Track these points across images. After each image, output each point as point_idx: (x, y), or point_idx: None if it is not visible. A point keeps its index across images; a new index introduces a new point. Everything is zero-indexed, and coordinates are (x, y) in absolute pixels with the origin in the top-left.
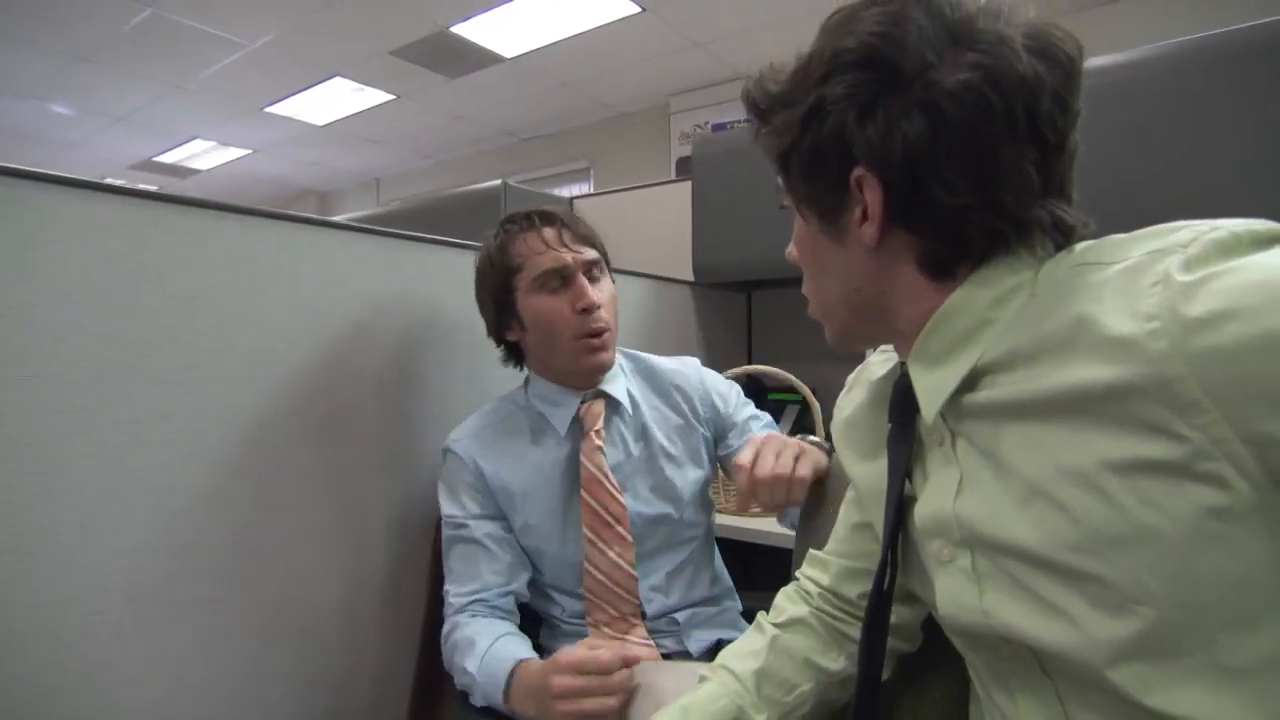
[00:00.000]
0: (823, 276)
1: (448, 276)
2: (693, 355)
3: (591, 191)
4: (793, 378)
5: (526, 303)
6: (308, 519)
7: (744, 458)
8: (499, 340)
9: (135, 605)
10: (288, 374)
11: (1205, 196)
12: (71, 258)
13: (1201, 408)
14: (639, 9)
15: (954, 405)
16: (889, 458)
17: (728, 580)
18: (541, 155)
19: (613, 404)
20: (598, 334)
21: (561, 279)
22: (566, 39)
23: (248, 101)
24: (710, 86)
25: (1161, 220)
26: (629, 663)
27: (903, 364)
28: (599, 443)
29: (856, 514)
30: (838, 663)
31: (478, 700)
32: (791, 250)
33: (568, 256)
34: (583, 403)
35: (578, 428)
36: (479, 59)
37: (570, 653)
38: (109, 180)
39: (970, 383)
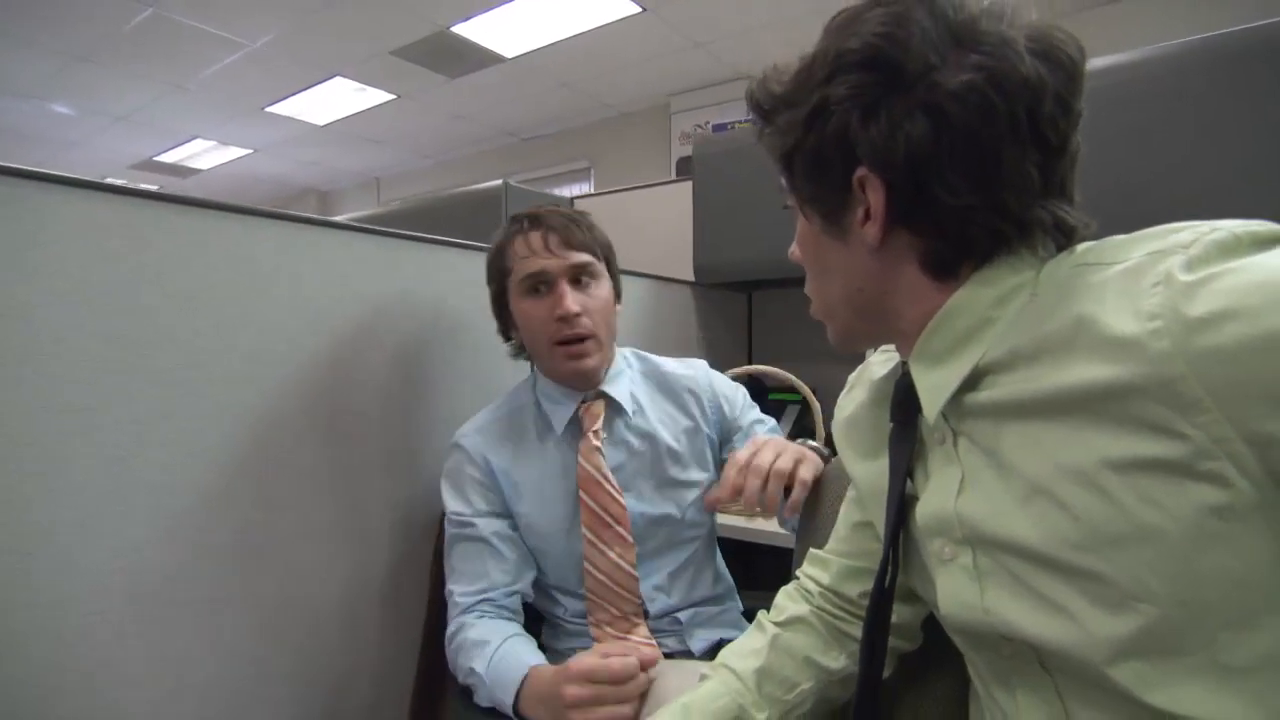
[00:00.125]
0: (825, 276)
1: (448, 276)
2: (693, 355)
3: (592, 191)
4: (793, 378)
5: (516, 306)
6: (309, 519)
7: (741, 454)
8: (506, 336)
9: (135, 605)
10: (288, 374)
11: (1206, 197)
12: (71, 258)
13: (1203, 407)
14: (639, 9)
15: (956, 404)
16: (890, 457)
17: (729, 580)
18: (542, 155)
19: (614, 405)
20: (575, 341)
21: (544, 283)
22: (567, 39)
23: (248, 101)
24: (711, 86)
25: (1162, 221)
26: (646, 665)
27: (904, 363)
28: (597, 443)
29: (857, 513)
30: (838, 661)
31: (483, 700)
32: (794, 250)
33: (548, 262)
34: (583, 402)
35: (576, 427)
36: (479, 59)
37: (582, 661)
38: (109, 180)
39: (972, 382)
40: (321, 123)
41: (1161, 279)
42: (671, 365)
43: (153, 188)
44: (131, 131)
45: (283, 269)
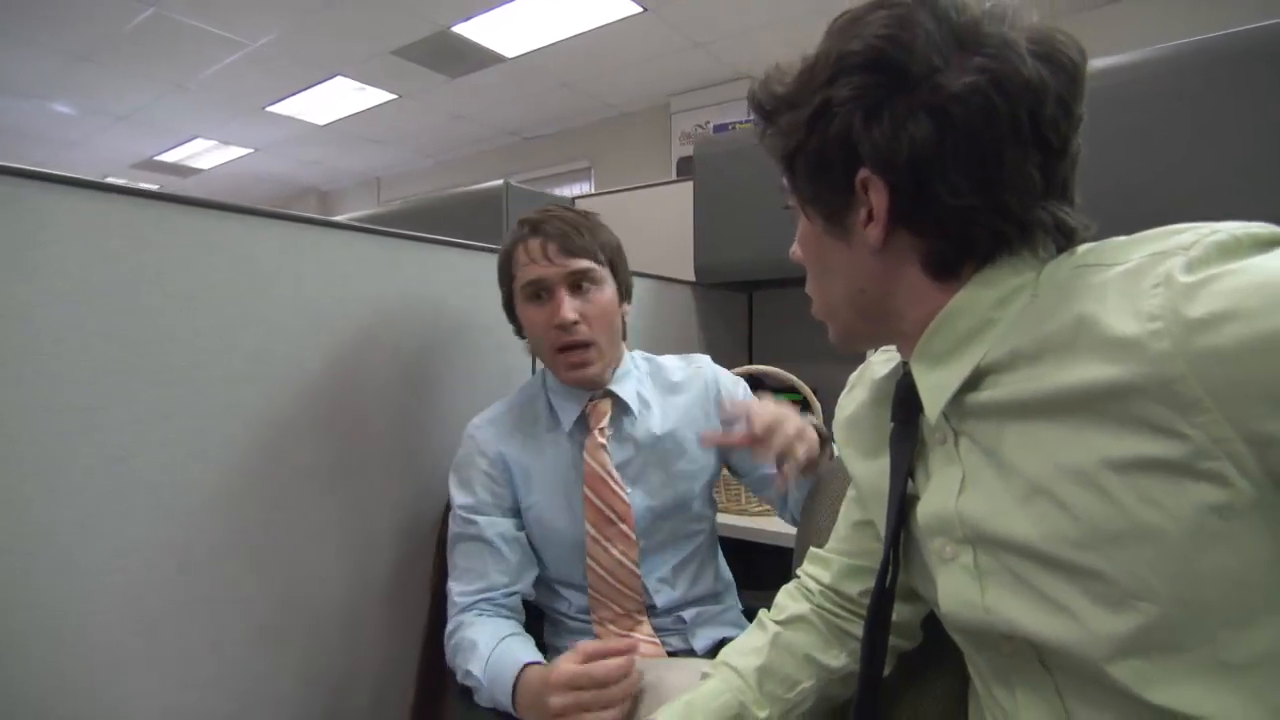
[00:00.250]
0: (827, 277)
1: (449, 276)
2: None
3: (592, 191)
4: (794, 378)
5: (521, 311)
6: (310, 519)
7: (766, 404)
8: (520, 336)
9: (135, 605)
10: (289, 374)
11: (1206, 198)
12: (72, 258)
13: (1202, 407)
14: (640, 9)
15: (957, 404)
16: (891, 456)
17: (730, 578)
18: (542, 155)
19: (620, 404)
20: (573, 348)
21: (543, 291)
22: (567, 39)
23: (249, 101)
24: (711, 86)
25: (1163, 222)
26: (626, 650)
27: (905, 363)
28: (602, 441)
29: (857, 512)
30: (839, 659)
31: (484, 701)
32: (795, 250)
33: (546, 270)
34: (590, 400)
35: (583, 424)
36: (480, 59)
37: (564, 670)
38: (110, 179)
39: (973, 382)
40: (322, 122)
41: (1162, 280)
42: (677, 363)
43: (153, 187)
44: (132, 131)
45: (283, 269)
